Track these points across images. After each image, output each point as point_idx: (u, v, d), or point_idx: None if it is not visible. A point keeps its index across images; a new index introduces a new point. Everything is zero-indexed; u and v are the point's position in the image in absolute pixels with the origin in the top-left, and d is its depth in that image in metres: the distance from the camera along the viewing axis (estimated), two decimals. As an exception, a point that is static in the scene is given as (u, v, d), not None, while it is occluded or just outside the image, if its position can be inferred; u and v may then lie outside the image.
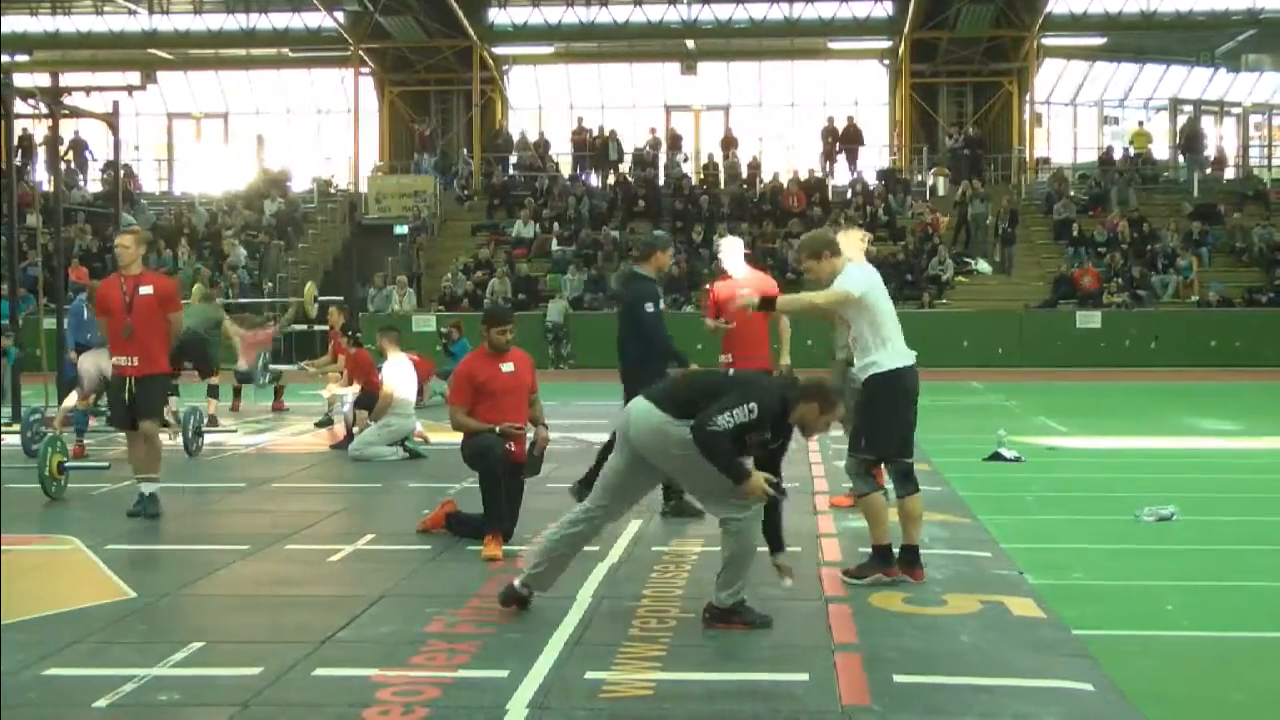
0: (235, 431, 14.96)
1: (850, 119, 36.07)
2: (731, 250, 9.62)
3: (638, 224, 32.41)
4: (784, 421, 5.94)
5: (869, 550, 7.05)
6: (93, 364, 12.33)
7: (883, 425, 6.83)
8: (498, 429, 7.88)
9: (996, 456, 12.16)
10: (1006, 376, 24.45)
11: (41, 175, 34.29)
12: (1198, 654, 5.69)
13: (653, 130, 36.76)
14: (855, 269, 7.02)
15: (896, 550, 6.96)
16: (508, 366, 8.08)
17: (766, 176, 35.17)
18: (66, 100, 16.00)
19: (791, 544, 7.91)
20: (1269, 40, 36.96)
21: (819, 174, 34.72)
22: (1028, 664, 5.38)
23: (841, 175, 35.79)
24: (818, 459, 12.03)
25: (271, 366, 17.00)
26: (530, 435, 8.12)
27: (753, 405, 5.73)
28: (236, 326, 16.18)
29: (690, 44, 37.48)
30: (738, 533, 5.93)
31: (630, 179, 34.74)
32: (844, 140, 35.49)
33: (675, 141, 36.49)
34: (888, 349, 6.87)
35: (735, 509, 5.89)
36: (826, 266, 6.98)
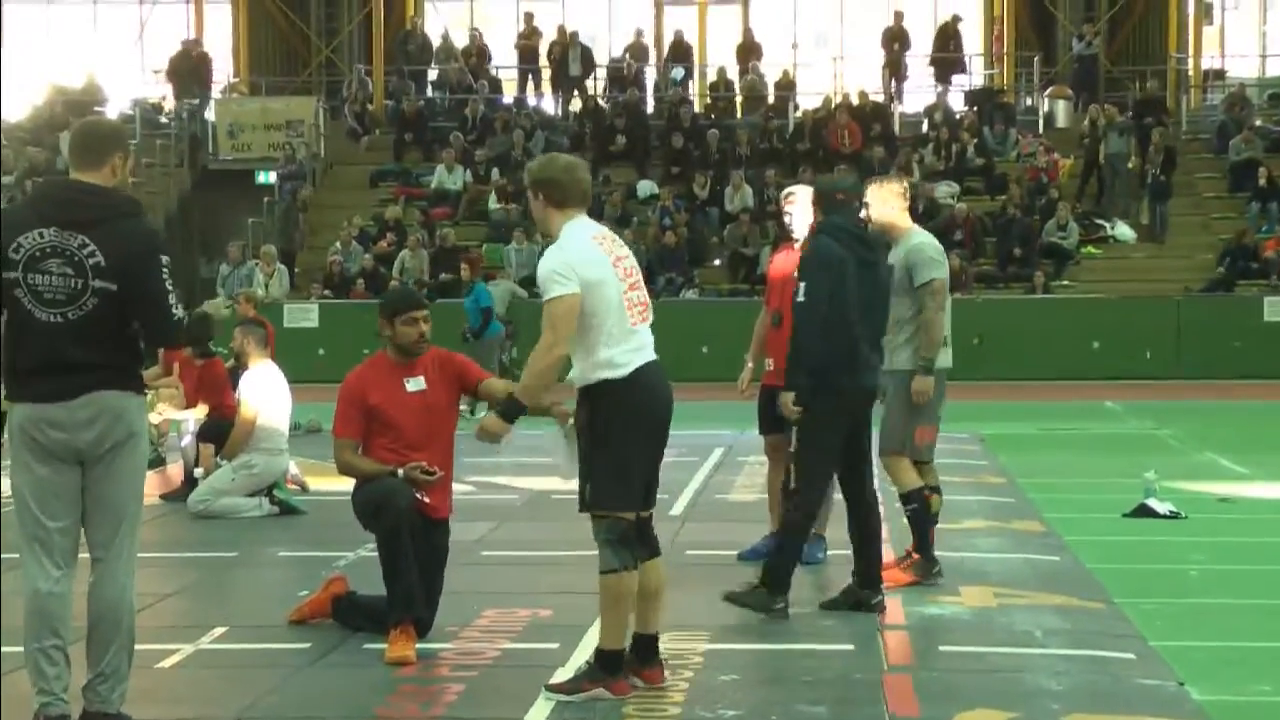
0: None
1: (955, 17, 35.89)
2: (807, 207, 9.73)
3: (616, 169, 32.46)
4: None
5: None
6: None
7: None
8: (400, 471, 7.90)
9: (1143, 511, 12.17)
10: (1157, 393, 24.51)
11: None
12: None
13: (639, 32, 36.83)
14: (577, 239, 7.05)
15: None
16: (416, 383, 8.09)
17: (803, 101, 35.17)
18: None
19: (845, 640, 7.99)
20: None
21: (880, 97, 34.77)
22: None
23: (914, 99, 35.85)
24: (882, 513, 12.02)
25: None
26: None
27: None
28: None
29: (692, -96, 37.58)
30: None
31: (604, 104, 34.77)
32: (944, 47, 35.56)
33: (675, 50, 36.49)
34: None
35: None
36: (540, 212, 7.20)
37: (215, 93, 36.75)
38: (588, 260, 6.91)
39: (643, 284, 7.18)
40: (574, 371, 7.02)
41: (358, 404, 8.03)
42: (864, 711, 6.83)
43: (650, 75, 35.86)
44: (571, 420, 7.30)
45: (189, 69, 35.97)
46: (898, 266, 9.34)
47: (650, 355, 7.01)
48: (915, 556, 9.35)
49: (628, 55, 35.81)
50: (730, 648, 7.97)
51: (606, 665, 6.98)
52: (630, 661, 7.11)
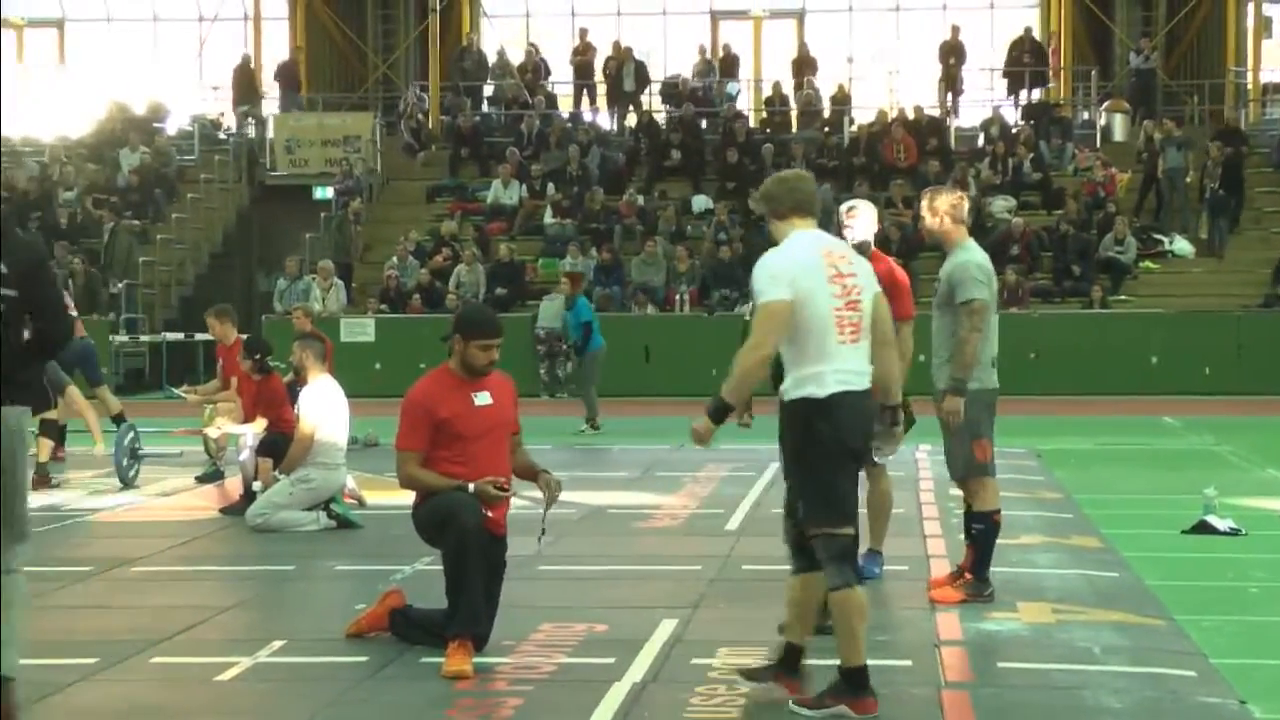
0: (56, 485, 15.09)
1: (1028, 30, 35.73)
2: (865, 221, 9.83)
3: (671, 184, 32.49)
4: None
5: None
6: None
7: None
8: (471, 486, 7.90)
9: (1203, 527, 12.10)
10: (1217, 409, 24.35)
11: None
12: None
13: (702, 49, 36.85)
14: (789, 250, 7.09)
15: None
16: (483, 398, 8.10)
17: (858, 116, 35.13)
18: None
19: (902, 656, 7.97)
20: None
21: (935, 111, 34.72)
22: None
23: (970, 113, 35.76)
24: (936, 529, 12.02)
25: (144, 451, 16.70)
26: (518, 492, 8.11)
27: None
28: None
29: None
30: None
31: (661, 119, 34.79)
32: (1016, 61, 35.36)
33: (727, 64, 36.53)
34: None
35: None
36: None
37: (271, 108, 36.95)
38: (801, 268, 6.95)
39: (865, 308, 7.09)
40: (785, 383, 7.04)
41: (424, 417, 8.01)
42: (922, 728, 6.81)
43: (702, 89, 35.83)
44: (555, 492, 8.03)
45: (248, 80, 36.31)
46: (942, 281, 9.36)
47: (857, 384, 6.97)
48: (968, 576, 9.31)
49: (695, 73, 35.87)
50: (787, 663, 7.94)
51: (851, 683, 6.93)
52: (776, 669, 7.12)
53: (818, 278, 6.94)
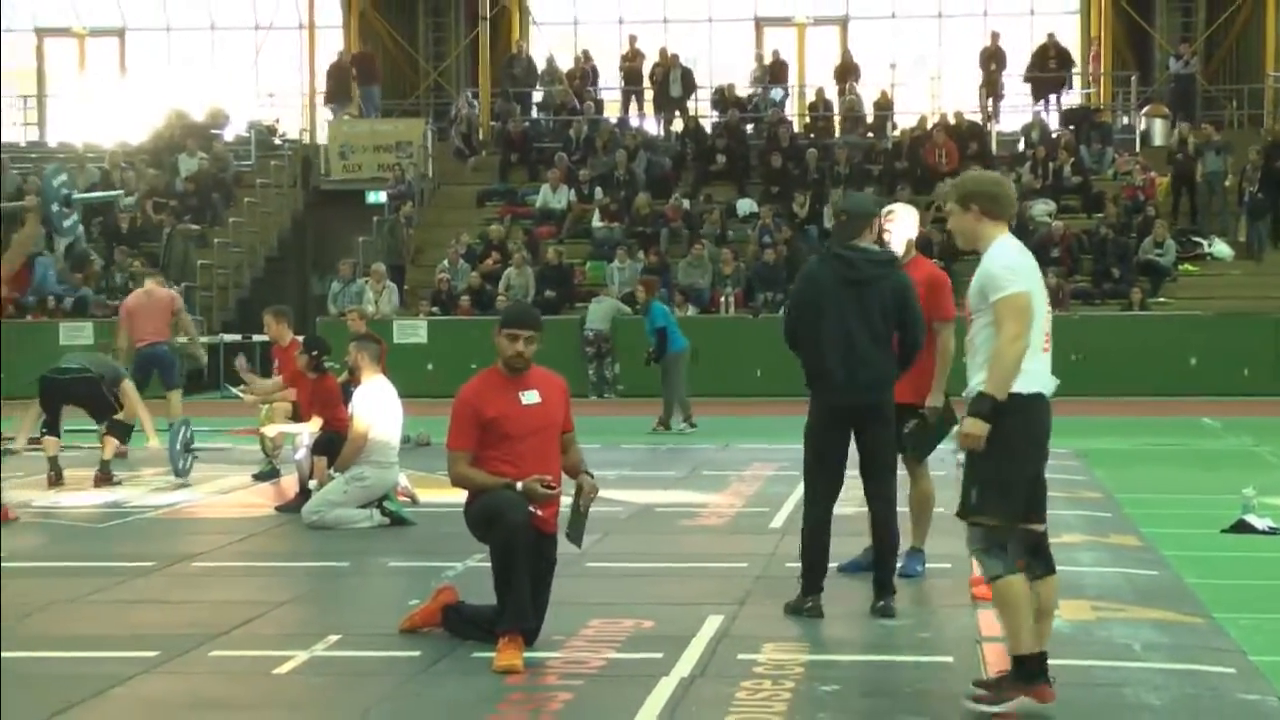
0: (118, 483, 15.22)
1: (1051, 36, 35.71)
2: (904, 225, 9.81)
3: (716, 188, 32.50)
4: None
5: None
6: None
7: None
8: (519, 485, 7.93)
9: (1242, 527, 12.04)
10: (1256, 410, 24.20)
11: None
12: None
13: (760, 57, 36.84)
14: (1013, 245, 7.08)
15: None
16: (531, 396, 8.11)
17: (901, 121, 35.04)
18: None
19: (944, 652, 7.96)
20: None
21: (976, 116, 34.62)
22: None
23: (1010, 118, 35.64)
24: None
25: (195, 446, 16.91)
26: (567, 494, 8.13)
27: None
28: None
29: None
30: None
31: (707, 124, 34.77)
32: (1041, 66, 35.32)
33: (776, 71, 36.50)
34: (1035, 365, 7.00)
35: None
36: (971, 225, 7.16)
37: (325, 114, 37.09)
38: (1029, 269, 7.02)
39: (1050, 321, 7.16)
40: (976, 378, 6.97)
41: (473, 417, 8.03)
42: (964, 723, 6.81)
43: (746, 93, 35.85)
44: (590, 495, 8.01)
45: (342, 79, 36.50)
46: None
47: (1049, 389, 6.99)
48: None
49: (753, 80, 36.00)
50: (831, 658, 7.96)
51: (1025, 671, 6.90)
52: (1015, 678, 7.01)
53: (1038, 282, 7.01)
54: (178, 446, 15.64)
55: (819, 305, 8.88)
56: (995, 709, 6.86)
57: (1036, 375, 6.95)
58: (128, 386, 15.97)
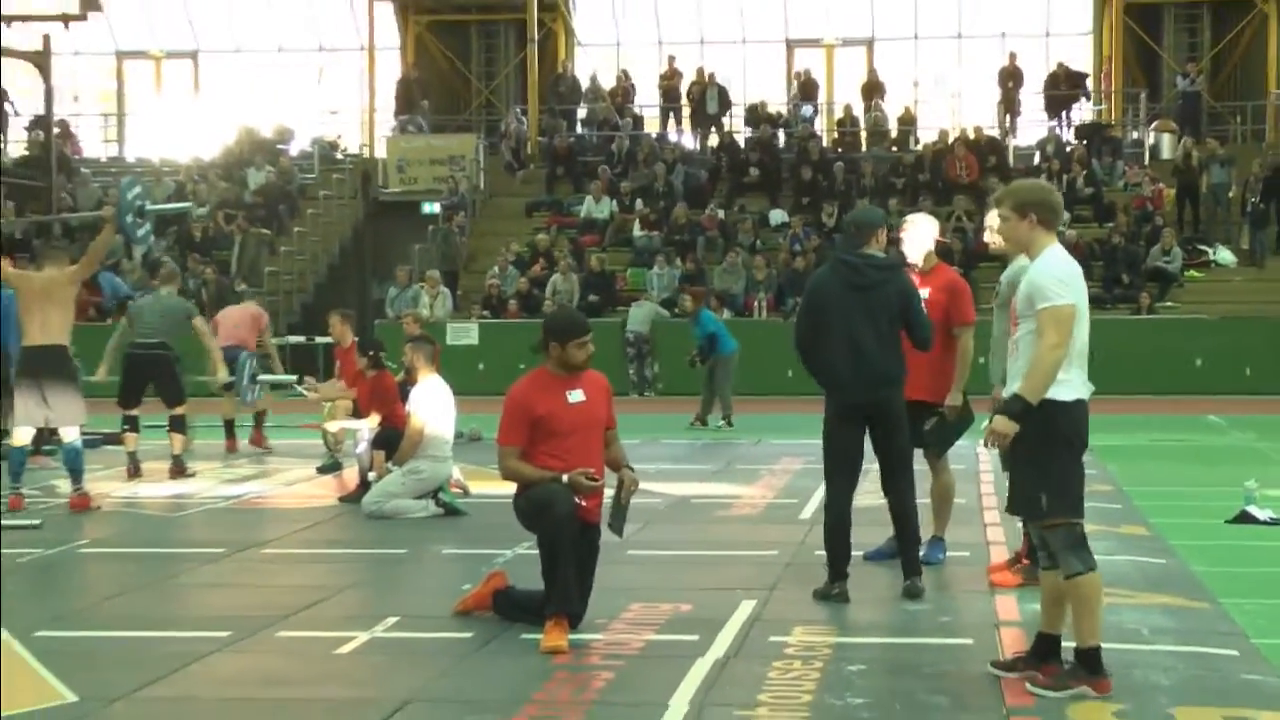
0: (192, 475, 15.33)
1: (1061, 65, 35.66)
2: (920, 234, 9.73)
3: (749, 199, 32.49)
4: None
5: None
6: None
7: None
8: (565, 478, 7.95)
9: (1245, 517, 11.98)
10: (1258, 408, 24.06)
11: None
12: None
13: (798, 75, 36.81)
14: (1063, 256, 7.02)
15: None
16: (576, 395, 8.12)
17: (923, 136, 34.96)
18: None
19: (963, 635, 7.96)
20: None
21: (995, 131, 34.50)
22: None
23: (1027, 133, 35.54)
24: (995, 518, 11.96)
25: (261, 378, 17.25)
26: (610, 486, 8.14)
27: None
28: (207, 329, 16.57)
29: (820, -45, 37.55)
30: None
31: (741, 139, 34.75)
32: (1053, 89, 35.23)
33: (807, 89, 36.45)
34: (1080, 371, 6.96)
35: None
36: (1025, 232, 7.06)
37: (384, 131, 37.21)
38: (1078, 279, 6.96)
39: None
40: (1015, 383, 6.90)
41: (523, 415, 8.03)
42: (981, 701, 6.79)
43: (778, 110, 35.85)
44: (631, 488, 8.01)
45: (407, 95, 36.63)
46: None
47: (1087, 394, 6.96)
48: (1025, 562, 9.24)
49: (793, 99, 35.97)
50: (858, 641, 7.94)
51: (1088, 663, 6.89)
52: (1029, 660, 7.05)
53: (1083, 293, 6.96)
54: (245, 380, 16.31)
55: (827, 309, 8.91)
56: (1055, 694, 6.79)
57: (1081, 384, 6.92)
58: (198, 323, 16.15)
